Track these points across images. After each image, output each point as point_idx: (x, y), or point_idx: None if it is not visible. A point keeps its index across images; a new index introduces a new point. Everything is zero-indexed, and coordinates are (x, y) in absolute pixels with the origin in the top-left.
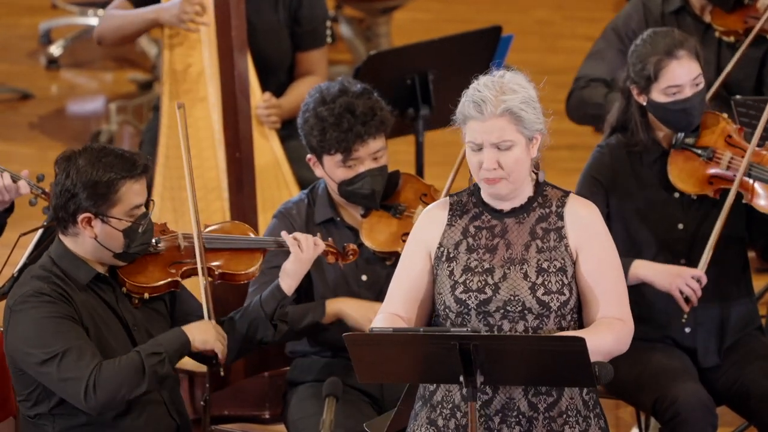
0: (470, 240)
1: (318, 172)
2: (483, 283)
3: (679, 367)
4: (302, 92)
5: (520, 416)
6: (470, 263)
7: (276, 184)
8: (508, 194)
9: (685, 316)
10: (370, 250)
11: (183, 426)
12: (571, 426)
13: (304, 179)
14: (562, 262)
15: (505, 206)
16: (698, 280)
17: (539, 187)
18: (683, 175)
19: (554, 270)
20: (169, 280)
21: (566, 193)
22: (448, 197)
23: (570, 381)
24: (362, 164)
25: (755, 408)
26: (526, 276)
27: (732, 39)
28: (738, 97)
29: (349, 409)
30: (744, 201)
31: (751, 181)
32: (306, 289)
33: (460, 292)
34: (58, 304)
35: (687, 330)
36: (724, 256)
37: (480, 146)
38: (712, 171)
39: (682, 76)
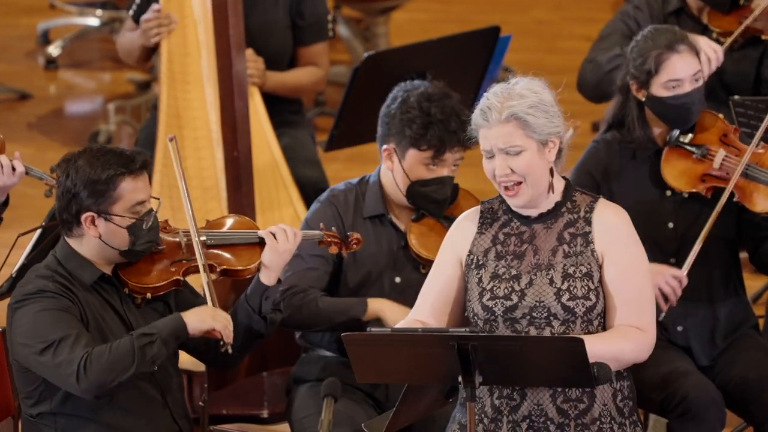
0: (499, 247)
1: (389, 164)
2: (510, 289)
3: (684, 364)
4: (298, 76)
5: (549, 422)
6: (498, 270)
7: (274, 183)
8: (528, 203)
9: (663, 314)
10: (413, 254)
11: (185, 429)
12: None
13: (303, 179)
14: (588, 267)
15: (533, 212)
16: (679, 281)
17: (568, 192)
18: (676, 173)
19: (580, 275)
20: (172, 279)
21: (595, 199)
22: (480, 204)
23: (568, 381)
24: (442, 169)
25: (750, 407)
26: (551, 281)
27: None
28: (736, 97)
29: (352, 409)
30: (735, 199)
31: (744, 179)
32: (336, 280)
33: (487, 300)
34: (60, 299)
35: (679, 329)
36: (712, 257)
37: (491, 153)
38: (705, 169)
39: (682, 70)
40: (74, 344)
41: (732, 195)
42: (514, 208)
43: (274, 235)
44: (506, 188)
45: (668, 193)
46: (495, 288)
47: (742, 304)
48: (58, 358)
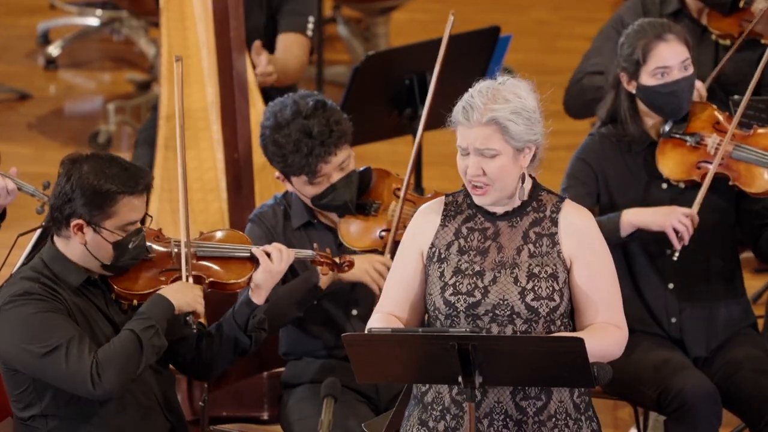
0: (462, 241)
1: (289, 188)
2: (473, 285)
3: (678, 359)
4: (288, 57)
5: (508, 420)
6: (461, 265)
7: (274, 184)
8: (494, 203)
9: (677, 253)
10: (350, 249)
11: (178, 426)
12: (561, 429)
13: None
14: (554, 268)
15: (498, 209)
16: (691, 218)
17: (534, 191)
18: (670, 163)
19: (545, 276)
20: (159, 288)
21: (561, 199)
22: (443, 196)
23: (568, 381)
24: (330, 178)
25: (745, 405)
26: (516, 280)
27: (728, 42)
28: (736, 96)
29: (346, 409)
30: (731, 183)
31: (737, 162)
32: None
33: (450, 294)
34: (48, 301)
35: (673, 320)
36: (711, 258)
37: (466, 151)
38: (700, 156)
39: (670, 57)
40: (80, 349)
41: (728, 179)
42: (479, 204)
43: (268, 255)
44: (475, 186)
45: (664, 185)
46: (458, 283)
47: (741, 302)
48: (67, 363)
